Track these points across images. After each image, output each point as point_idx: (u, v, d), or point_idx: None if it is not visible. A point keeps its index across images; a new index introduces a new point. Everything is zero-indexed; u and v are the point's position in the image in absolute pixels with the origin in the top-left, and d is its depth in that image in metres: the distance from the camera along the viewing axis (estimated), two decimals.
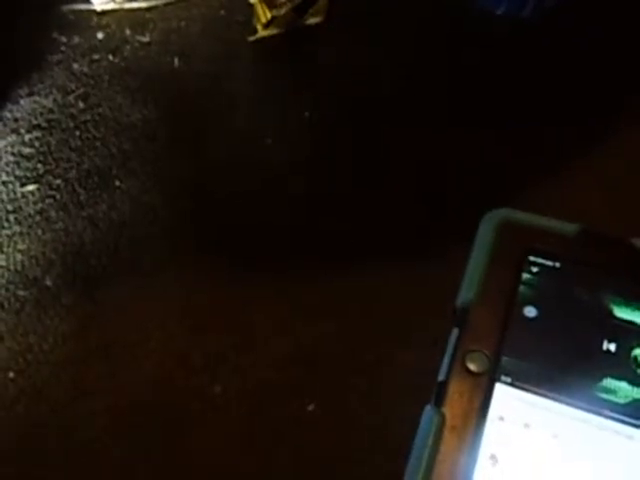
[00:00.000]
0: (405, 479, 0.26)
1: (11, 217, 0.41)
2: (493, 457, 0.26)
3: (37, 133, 0.45)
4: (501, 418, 0.27)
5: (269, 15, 0.47)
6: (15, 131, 0.45)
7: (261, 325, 0.36)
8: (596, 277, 0.30)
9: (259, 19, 0.48)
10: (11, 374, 0.35)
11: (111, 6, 0.50)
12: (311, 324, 0.35)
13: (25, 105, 0.46)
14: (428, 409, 0.28)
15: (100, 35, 0.49)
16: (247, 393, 0.33)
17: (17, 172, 0.43)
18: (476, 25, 0.45)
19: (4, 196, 0.42)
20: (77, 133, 0.44)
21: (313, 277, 0.37)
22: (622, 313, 0.29)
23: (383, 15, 0.48)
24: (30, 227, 0.41)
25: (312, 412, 0.32)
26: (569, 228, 0.32)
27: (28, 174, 0.43)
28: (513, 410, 0.27)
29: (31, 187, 0.43)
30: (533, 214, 0.33)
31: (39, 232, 0.41)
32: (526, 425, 0.26)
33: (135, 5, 0.50)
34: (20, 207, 0.42)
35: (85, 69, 0.47)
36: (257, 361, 0.34)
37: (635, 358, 0.27)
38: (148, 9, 0.50)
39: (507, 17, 0.44)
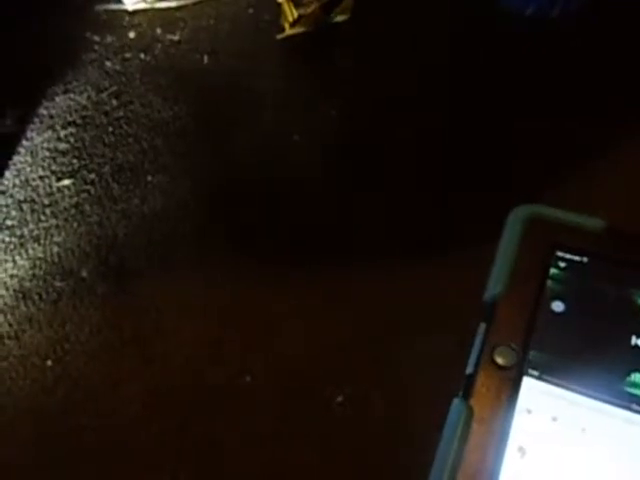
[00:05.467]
0: (433, 471, 0.26)
1: (47, 210, 0.43)
2: (521, 449, 0.26)
3: (72, 129, 0.46)
4: (529, 411, 0.27)
5: (296, 14, 0.48)
6: (51, 127, 0.46)
7: (290, 318, 0.36)
8: (624, 273, 0.30)
9: (286, 17, 0.48)
10: (49, 362, 0.37)
11: (142, 6, 0.51)
12: (339, 317, 0.36)
13: (60, 102, 0.47)
14: (456, 402, 0.28)
15: (132, 34, 0.50)
16: (276, 383, 0.34)
17: (53, 167, 0.44)
18: (503, 25, 0.45)
19: (41, 190, 0.44)
20: (110, 129, 0.46)
21: (339, 271, 0.38)
22: None
23: (409, 13, 0.48)
24: (66, 220, 0.42)
25: (340, 403, 0.33)
26: (596, 224, 0.32)
27: (64, 169, 0.44)
28: (541, 403, 0.27)
29: (66, 182, 0.44)
30: (560, 210, 0.33)
31: (74, 225, 0.42)
32: (554, 418, 0.27)
33: (165, 5, 0.51)
34: (56, 201, 0.43)
35: (118, 67, 0.48)
36: (286, 352, 0.35)
37: None
38: (178, 8, 0.51)
39: (535, 18, 0.44)
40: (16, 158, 0.45)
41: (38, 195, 0.43)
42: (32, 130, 0.46)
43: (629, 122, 0.40)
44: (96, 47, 0.49)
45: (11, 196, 0.43)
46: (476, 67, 0.45)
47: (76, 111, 0.47)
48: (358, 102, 0.45)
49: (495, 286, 0.31)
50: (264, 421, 0.33)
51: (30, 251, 0.41)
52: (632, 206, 0.34)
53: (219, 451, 0.33)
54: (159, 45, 0.49)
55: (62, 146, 0.45)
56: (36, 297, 0.39)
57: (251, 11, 0.50)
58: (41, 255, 0.41)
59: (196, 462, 0.33)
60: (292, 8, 0.48)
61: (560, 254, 0.32)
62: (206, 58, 0.48)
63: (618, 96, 0.41)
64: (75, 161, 0.44)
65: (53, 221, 0.42)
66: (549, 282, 0.31)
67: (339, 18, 0.49)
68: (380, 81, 0.46)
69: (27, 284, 0.40)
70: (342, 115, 0.45)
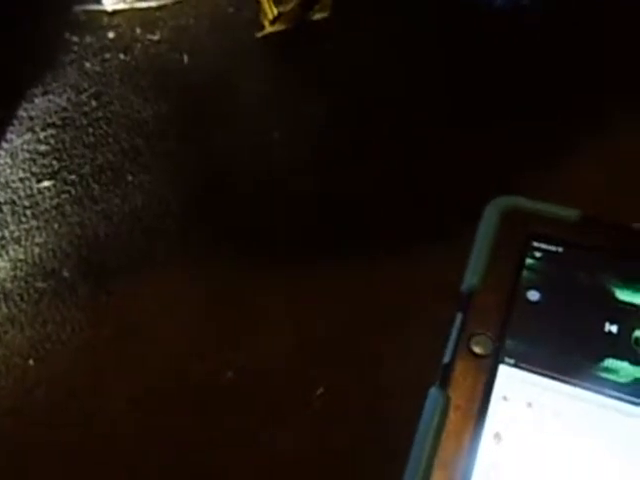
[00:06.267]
0: (411, 457, 0.27)
1: (28, 212, 0.43)
2: (497, 435, 0.26)
3: (52, 131, 0.46)
4: (505, 398, 0.27)
5: (275, 11, 0.48)
6: (30, 129, 0.46)
7: (271, 313, 0.37)
8: (598, 261, 0.31)
9: (266, 15, 0.48)
10: (31, 361, 0.37)
11: (121, 6, 0.51)
12: (319, 311, 0.36)
13: (40, 104, 0.47)
14: (433, 390, 0.28)
15: (111, 35, 0.50)
16: (258, 378, 0.34)
17: (33, 169, 0.44)
18: (483, 20, 0.45)
19: (21, 192, 0.43)
20: (90, 130, 0.46)
21: (320, 266, 0.38)
22: (624, 296, 0.29)
23: (389, 9, 0.48)
24: (47, 221, 0.42)
25: (321, 396, 0.33)
26: (571, 214, 0.33)
27: (44, 170, 0.44)
28: (516, 390, 0.27)
29: (47, 183, 0.44)
30: (536, 201, 0.34)
31: (55, 226, 0.42)
32: (529, 404, 0.27)
33: (145, 4, 0.51)
34: (37, 202, 0.43)
35: (97, 68, 0.48)
36: (267, 347, 0.35)
37: (636, 339, 0.28)
38: (158, 8, 0.51)
39: (506, 7, 0.45)
40: None
41: (18, 197, 0.43)
42: (11, 132, 0.46)
43: (605, 113, 0.40)
44: (75, 48, 0.49)
45: None
46: (460, 61, 0.45)
47: (55, 112, 0.46)
48: (340, 100, 0.45)
49: (472, 277, 0.31)
50: (246, 416, 0.33)
51: (11, 252, 0.41)
52: (605, 196, 0.35)
53: (202, 448, 0.33)
54: (139, 45, 0.49)
55: (42, 148, 0.45)
56: (17, 298, 0.39)
57: (231, 10, 0.50)
58: (22, 256, 0.41)
59: (179, 459, 0.33)
60: (272, 6, 0.48)
61: (536, 244, 0.32)
62: (186, 57, 0.48)
63: (596, 87, 0.42)
64: (55, 162, 0.44)
65: (34, 222, 0.42)
66: (525, 272, 0.31)
67: (318, 15, 0.49)
68: (360, 78, 0.46)
69: (8, 285, 0.40)
70: (323, 112, 0.45)
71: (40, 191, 0.43)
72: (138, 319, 0.37)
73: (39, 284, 0.40)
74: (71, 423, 0.34)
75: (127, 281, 0.39)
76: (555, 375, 0.27)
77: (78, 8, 0.51)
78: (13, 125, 0.46)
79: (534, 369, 0.28)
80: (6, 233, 0.42)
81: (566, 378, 0.27)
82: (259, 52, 0.48)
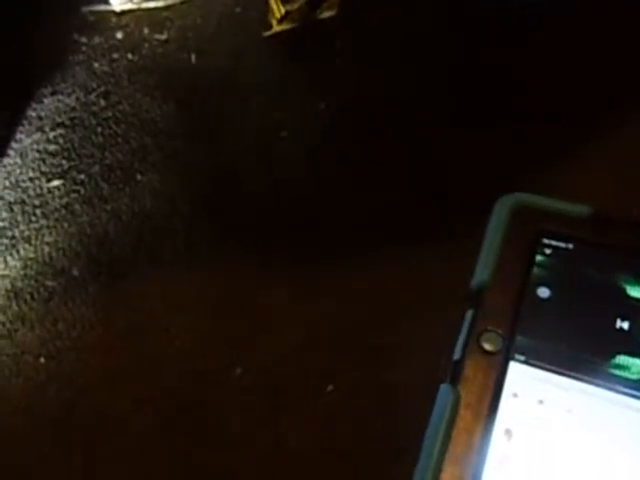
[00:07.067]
0: (422, 454, 0.27)
1: (38, 211, 0.43)
2: (508, 432, 0.26)
3: (61, 130, 0.46)
4: (515, 395, 0.27)
5: (283, 10, 0.48)
6: (40, 129, 0.46)
7: (278, 311, 0.37)
8: (608, 257, 0.31)
9: (274, 14, 0.49)
10: (42, 359, 0.37)
11: (129, 6, 0.51)
12: (327, 308, 0.36)
13: (49, 104, 0.47)
14: (444, 387, 0.28)
15: (119, 35, 0.50)
16: (267, 374, 0.34)
17: (43, 168, 0.45)
18: (488, 20, 0.45)
19: (31, 192, 0.44)
20: (99, 130, 0.46)
21: (328, 264, 0.38)
22: (635, 292, 0.29)
23: (395, 9, 0.48)
24: (56, 220, 0.42)
25: (330, 393, 0.33)
26: (581, 210, 0.32)
27: (53, 170, 0.44)
28: (527, 387, 0.27)
29: (56, 182, 0.44)
30: (546, 197, 0.34)
31: (65, 225, 0.42)
32: (540, 401, 0.27)
33: (152, 4, 0.51)
34: (46, 202, 0.43)
35: (105, 68, 0.49)
36: (276, 344, 0.35)
37: None
38: (165, 8, 0.51)
39: (512, 7, 0.44)
40: (5, 160, 0.45)
41: (28, 196, 0.44)
42: (21, 132, 0.46)
43: (612, 109, 0.40)
44: (84, 48, 0.50)
45: (1, 198, 0.44)
46: (464, 61, 0.45)
47: (65, 112, 0.47)
48: (347, 98, 0.45)
49: (482, 273, 0.31)
50: (255, 412, 0.33)
51: (21, 251, 0.41)
52: (615, 192, 0.35)
53: (211, 444, 0.34)
54: (147, 45, 0.49)
55: (51, 147, 0.45)
56: (28, 296, 0.39)
57: (238, 9, 0.51)
58: (32, 255, 0.41)
59: (186, 457, 0.33)
60: (279, 5, 0.48)
61: (546, 241, 0.32)
62: (194, 57, 0.49)
63: (601, 86, 0.41)
64: (64, 162, 0.45)
65: (44, 222, 0.42)
66: (535, 269, 0.31)
67: (326, 14, 0.49)
68: (366, 78, 0.46)
69: (19, 284, 0.40)
70: (329, 111, 0.45)
71: (50, 190, 0.44)
72: (146, 317, 0.38)
73: (49, 283, 0.40)
74: (81, 420, 0.35)
75: (136, 279, 0.39)
76: (566, 372, 0.27)
77: (86, 9, 0.51)
78: (22, 125, 0.46)
79: (545, 366, 0.28)
80: (16, 232, 0.42)
81: (577, 375, 0.27)
82: (266, 51, 0.49)
